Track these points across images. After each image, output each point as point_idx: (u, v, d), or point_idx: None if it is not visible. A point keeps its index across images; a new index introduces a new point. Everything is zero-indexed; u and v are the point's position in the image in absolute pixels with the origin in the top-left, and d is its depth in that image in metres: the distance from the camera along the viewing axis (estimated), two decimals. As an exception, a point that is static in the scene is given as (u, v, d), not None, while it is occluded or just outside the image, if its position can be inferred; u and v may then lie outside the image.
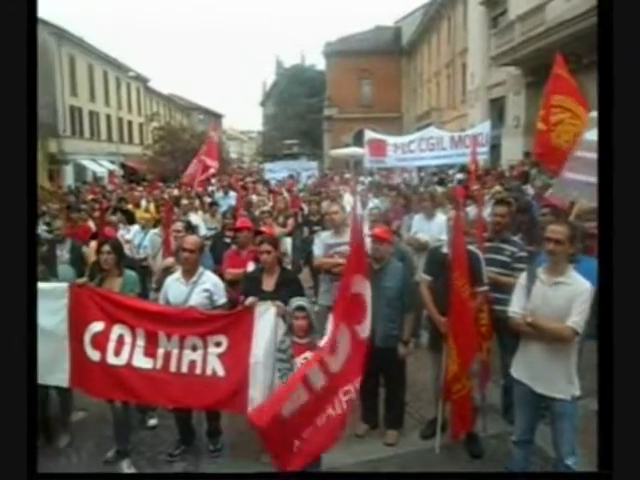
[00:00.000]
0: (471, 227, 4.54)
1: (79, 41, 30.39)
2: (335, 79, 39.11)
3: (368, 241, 4.38)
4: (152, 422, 4.46)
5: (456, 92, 28.40)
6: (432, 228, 5.97)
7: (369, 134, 13.44)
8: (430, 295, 4.06)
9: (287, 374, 3.27)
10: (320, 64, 42.92)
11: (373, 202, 8.06)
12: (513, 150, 17.90)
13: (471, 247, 3.95)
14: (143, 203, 10.21)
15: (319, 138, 39.96)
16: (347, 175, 16.52)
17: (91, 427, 4.45)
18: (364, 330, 3.53)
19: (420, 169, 15.53)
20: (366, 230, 5.27)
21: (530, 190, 8.42)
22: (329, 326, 3.34)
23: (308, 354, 3.26)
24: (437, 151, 12.07)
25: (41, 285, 4.04)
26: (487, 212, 5.37)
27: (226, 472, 3.86)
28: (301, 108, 40.81)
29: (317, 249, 5.10)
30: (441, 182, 12.56)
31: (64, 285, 3.98)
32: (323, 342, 3.26)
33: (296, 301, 3.41)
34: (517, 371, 3.33)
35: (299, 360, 3.27)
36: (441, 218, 5.88)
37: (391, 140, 12.91)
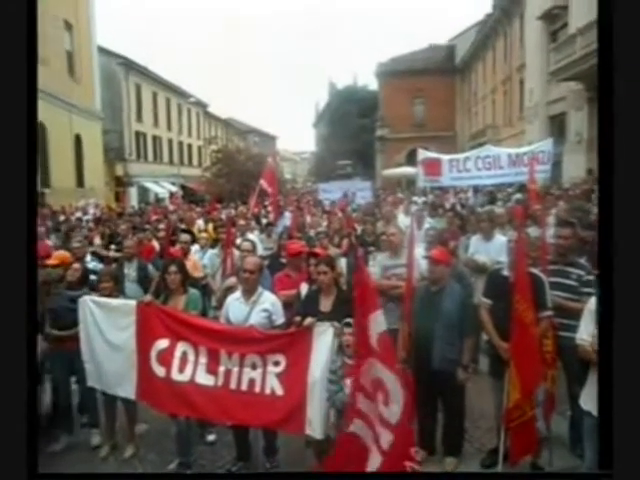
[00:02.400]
0: (533, 249, 4.40)
1: (144, 70, 32.32)
2: (387, 99, 39.25)
3: (424, 263, 4.35)
4: (211, 438, 4.57)
5: (513, 109, 27.75)
6: (490, 249, 5.83)
7: (423, 153, 13.33)
8: (490, 319, 3.95)
9: (337, 396, 3.26)
10: (373, 84, 43.30)
11: (429, 222, 7.97)
12: (575, 167, 17.20)
13: (534, 270, 3.83)
14: (200, 223, 10.59)
15: (371, 158, 40.08)
16: (400, 195, 16.42)
17: (153, 440, 4.62)
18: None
19: (476, 189, 15.21)
20: (422, 251, 5.24)
21: (595, 209, 8.04)
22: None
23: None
24: (494, 170, 11.79)
25: (111, 301, 4.33)
26: (550, 233, 5.18)
27: None
28: (353, 128, 41.14)
29: (374, 271, 5.10)
30: (495, 201, 12.23)
31: (132, 302, 4.22)
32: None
33: (346, 319, 3.43)
34: (586, 402, 3.16)
35: (348, 381, 3.26)
36: (500, 239, 5.73)
37: (446, 159, 12.74)
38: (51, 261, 5.29)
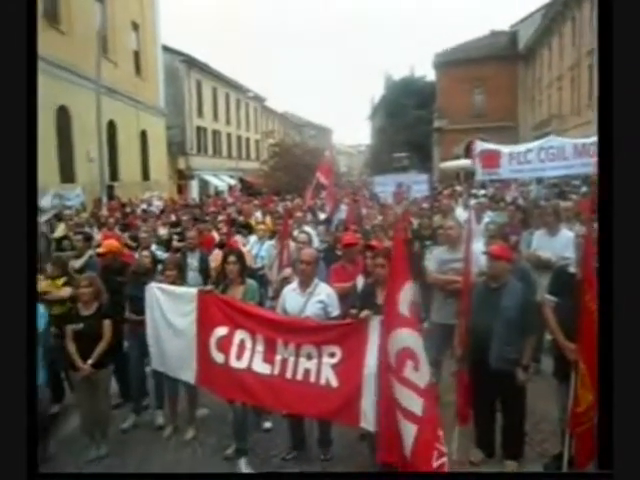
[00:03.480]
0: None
1: (205, 67, 33.25)
2: (446, 89, 38.18)
3: (483, 258, 4.22)
4: (267, 425, 4.68)
5: (581, 97, 26.21)
6: (555, 245, 5.57)
7: (481, 145, 12.88)
8: (555, 318, 3.78)
9: None
10: (430, 75, 42.27)
11: (489, 216, 7.71)
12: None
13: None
14: (258, 215, 10.80)
15: (428, 150, 39.23)
16: (458, 188, 15.98)
17: (213, 424, 4.79)
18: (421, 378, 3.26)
19: (539, 181, 14.54)
20: (481, 246, 5.08)
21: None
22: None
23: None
24: (558, 161, 11.20)
25: (175, 289, 4.53)
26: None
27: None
28: (410, 120, 40.39)
29: (431, 264, 5.01)
30: (563, 195, 11.63)
31: (194, 290, 4.39)
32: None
33: None
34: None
35: None
36: (566, 234, 5.46)
37: (505, 150, 12.23)
38: (100, 250, 5.60)
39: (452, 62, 37.75)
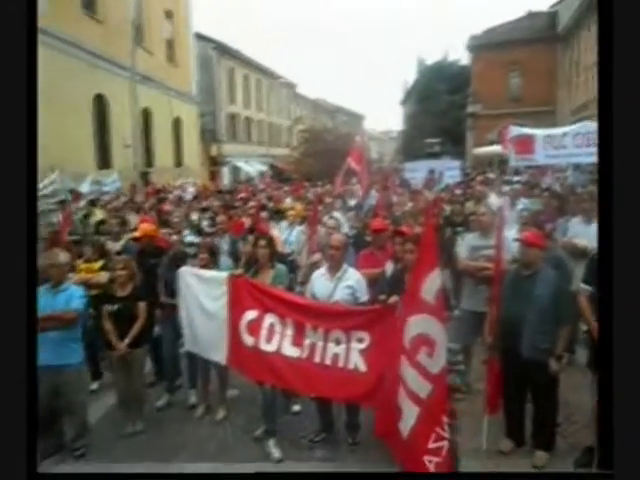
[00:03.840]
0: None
1: (237, 54, 33.34)
2: (480, 73, 37.09)
3: (515, 245, 4.13)
4: (295, 408, 4.76)
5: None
6: (592, 233, 5.38)
7: (514, 130, 12.49)
8: (591, 307, 3.68)
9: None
10: (464, 59, 41.18)
11: (523, 203, 7.53)
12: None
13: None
14: (289, 201, 10.85)
15: (461, 136, 38.38)
16: (491, 175, 15.62)
17: (243, 405, 4.90)
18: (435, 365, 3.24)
19: (576, 167, 14.04)
20: (514, 233, 4.97)
21: None
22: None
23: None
24: (595, 146, 10.77)
25: (206, 272, 4.63)
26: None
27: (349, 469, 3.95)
28: (443, 105, 39.55)
29: (462, 251, 4.95)
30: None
31: (224, 274, 4.47)
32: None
33: None
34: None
35: None
36: (604, 222, 5.28)
37: (540, 135, 11.81)
38: (136, 233, 5.74)
39: (487, 45, 36.59)
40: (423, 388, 3.20)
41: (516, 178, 13.59)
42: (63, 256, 4.35)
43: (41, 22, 13.21)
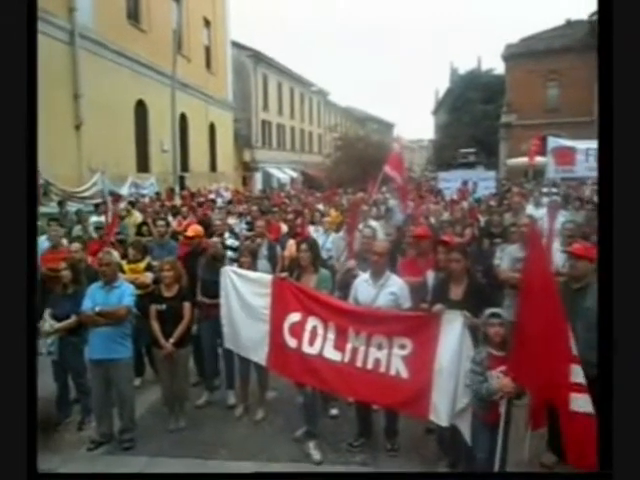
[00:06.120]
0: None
1: (271, 61, 33.84)
2: (516, 83, 36.57)
3: (560, 257, 4.09)
4: (333, 412, 4.80)
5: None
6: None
7: (554, 141, 12.32)
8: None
9: (481, 386, 3.23)
10: (499, 68, 40.69)
11: (563, 216, 7.41)
12: None
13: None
14: (321, 208, 10.93)
15: (494, 146, 37.85)
16: (527, 186, 15.37)
17: (281, 407, 4.97)
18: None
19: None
20: (557, 245, 4.92)
21: None
22: None
23: (504, 367, 3.19)
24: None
25: (250, 273, 4.74)
26: None
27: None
28: (476, 115, 39.13)
29: (503, 262, 4.92)
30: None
31: (268, 276, 4.58)
32: None
33: (491, 309, 3.37)
34: None
35: (495, 373, 3.21)
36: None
37: (581, 147, 11.62)
38: (188, 232, 5.91)
39: (524, 54, 36.07)
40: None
41: (554, 190, 13.35)
42: (116, 255, 4.54)
43: (88, 32, 13.79)
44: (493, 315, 3.31)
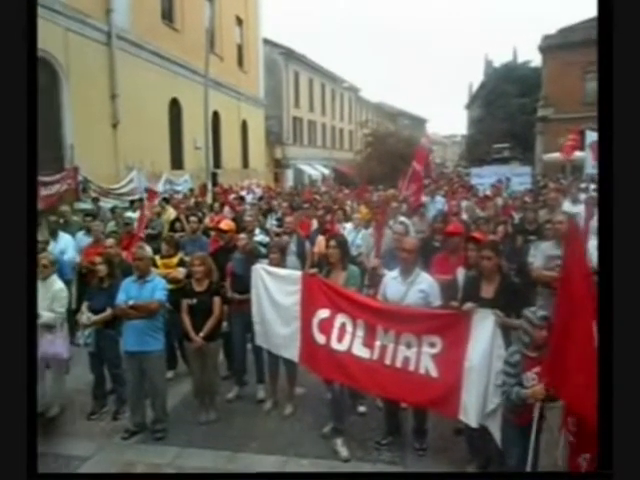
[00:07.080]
0: None
1: (302, 58, 33.88)
2: (553, 75, 35.44)
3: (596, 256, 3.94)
4: (361, 409, 4.79)
5: None
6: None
7: (592, 135, 11.86)
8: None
9: (511, 390, 3.15)
10: (535, 60, 39.53)
11: (602, 212, 7.15)
12: None
13: None
14: (349, 204, 10.89)
15: (530, 141, 36.84)
16: (563, 182, 14.91)
17: (309, 402, 5.00)
18: None
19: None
20: (594, 243, 4.74)
21: None
22: None
23: (538, 369, 3.10)
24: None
25: (280, 270, 4.77)
26: None
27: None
28: (511, 109, 38.13)
29: (537, 260, 4.80)
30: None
31: (298, 273, 4.60)
32: None
33: (540, 311, 3.23)
34: None
35: (530, 375, 3.12)
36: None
37: (624, 141, 11.14)
38: (222, 226, 5.99)
39: (562, 45, 34.90)
40: None
41: (592, 186, 12.90)
42: (149, 250, 4.65)
43: (125, 33, 14.13)
44: (543, 318, 3.13)
